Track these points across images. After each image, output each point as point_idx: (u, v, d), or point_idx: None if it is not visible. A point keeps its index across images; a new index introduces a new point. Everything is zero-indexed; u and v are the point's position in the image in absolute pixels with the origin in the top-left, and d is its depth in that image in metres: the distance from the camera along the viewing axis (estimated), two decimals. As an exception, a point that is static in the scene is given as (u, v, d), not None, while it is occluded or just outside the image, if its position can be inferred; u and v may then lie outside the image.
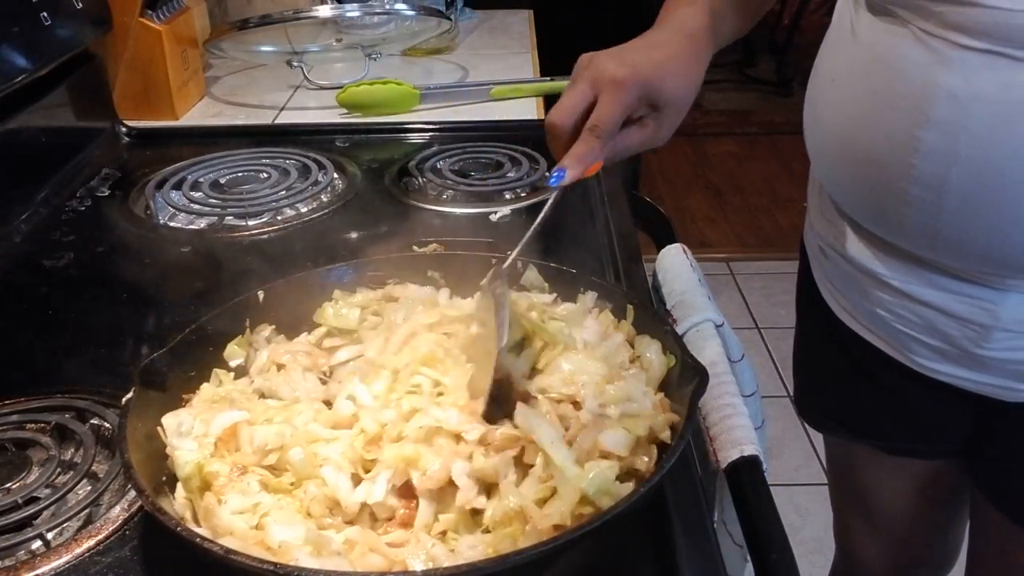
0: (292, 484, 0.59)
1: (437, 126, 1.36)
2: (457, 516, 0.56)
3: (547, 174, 0.71)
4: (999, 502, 0.92)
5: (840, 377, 0.99)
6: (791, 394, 1.16)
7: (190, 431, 0.61)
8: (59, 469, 0.66)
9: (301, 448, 0.59)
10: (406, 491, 0.58)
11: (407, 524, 0.57)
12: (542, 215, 0.71)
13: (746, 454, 0.71)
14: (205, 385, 0.66)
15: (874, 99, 0.73)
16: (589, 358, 0.66)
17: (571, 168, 0.69)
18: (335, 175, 1.18)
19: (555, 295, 0.77)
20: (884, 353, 0.88)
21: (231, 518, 0.54)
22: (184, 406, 0.65)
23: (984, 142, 0.66)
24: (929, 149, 0.69)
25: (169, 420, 0.62)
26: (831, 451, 1.16)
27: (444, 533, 0.56)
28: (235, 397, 0.66)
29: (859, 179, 0.77)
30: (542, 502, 0.56)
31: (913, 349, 0.84)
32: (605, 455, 0.58)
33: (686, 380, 0.63)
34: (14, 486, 0.66)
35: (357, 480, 0.59)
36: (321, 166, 1.19)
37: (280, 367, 0.70)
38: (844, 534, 1.20)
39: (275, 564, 0.49)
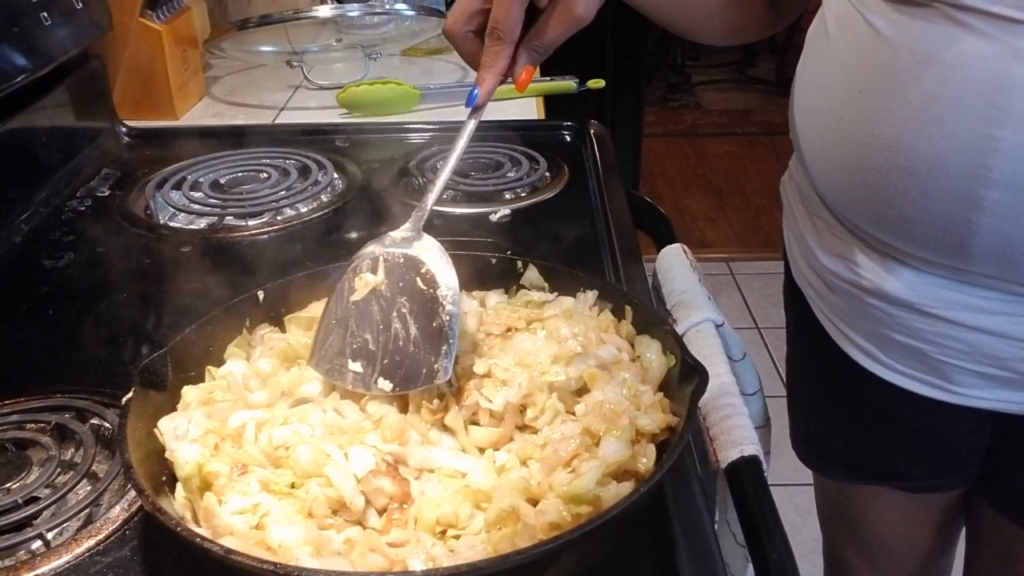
0: (292, 485, 0.58)
1: (437, 126, 1.36)
2: (454, 507, 0.56)
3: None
4: (1015, 514, 0.89)
5: (851, 420, 0.95)
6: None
7: (186, 434, 0.61)
8: (59, 469, 0.66)
9: (309, 446, 0.59)
10: (393, 472, 0.58)
11: (402, 500, 0.57)
12: (460, 144, 0.68)
13: (746, 454, 0.71)
14: (187, 388, 0.66)
15: (931, 102, 0.67)
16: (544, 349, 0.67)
17: (484, 83, 0.66)
18: (335, 175, 1.18)
19: (555, 294, 0.77)
20: (908, 390, 0.83)
21: (231, 518, 0.54)
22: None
23: None
24: (1009, 147, 0.64)
25: (165, 424, 0.62)
26: (825, 487, 1.10)
27: (444, 532, 0.56)
28: (218, 397, 0.65)
29: (914, 193, 0.71)
30: (535, 501, 0.56)
31: (952, 378, 0.80)
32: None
33: (686, 380, 0.63)
34: (14, 486, 0.66)
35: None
36: (321, 166, 1.19)
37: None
38: (839, 565, 1.15)
39: (275, 564, 0.49)
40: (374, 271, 0.67)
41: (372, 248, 0.68)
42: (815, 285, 0.89)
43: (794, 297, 0.96)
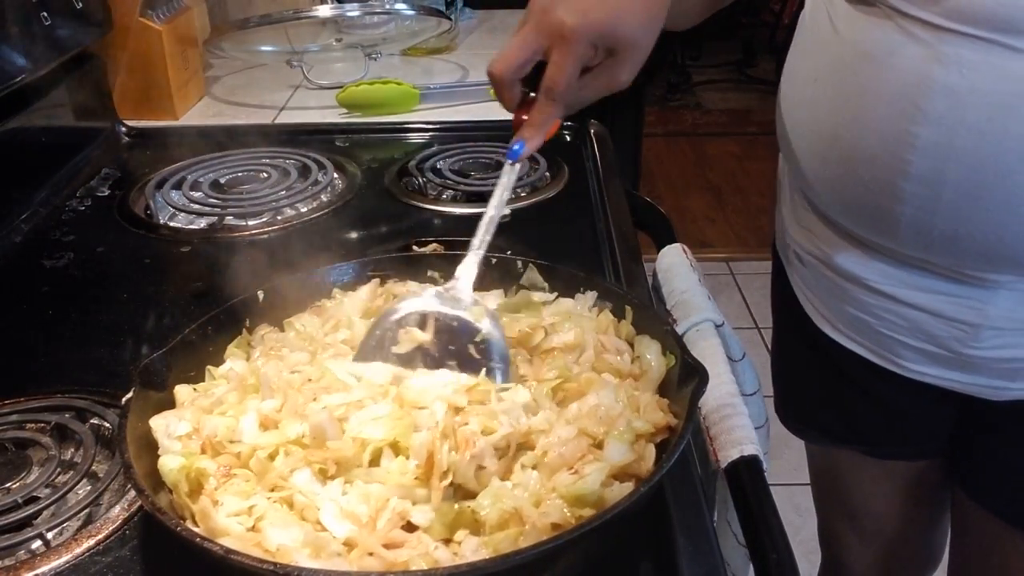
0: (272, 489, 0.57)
1: (437, 126, 1.36)
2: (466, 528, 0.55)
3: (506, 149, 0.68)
4: (983, 499, 0.92)
5: (821, 384, 0.99)
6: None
7: (175, 432, 0.60)
8: (59, 469, 0.66)
9: (257, 457, 0.58)
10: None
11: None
12: (500, 196, 0.67)
13: (746, 454, 0.71)
14: (179, 387, 0.65)
15: (863, 96, 0.72)
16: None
17: (531, 139, 0.67)
18: (335, 175, 1.18)
19: (555, 294, 0.77)
20: (865, 359, 0.87)
21: (227, 521, 0.54)
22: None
23: (982, 134, 0.66)
24: (925, 144, 0.68)
25: (157, 422, 0.62)
26: (813, 457, 1.15)
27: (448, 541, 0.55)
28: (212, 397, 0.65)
29: (848, 180, 0.76)
30: (540, 502, 0.56)
31: (898, 352, 0.84)
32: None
33: (686, 380, 0.63)
34: (14, 486, 0.66)
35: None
36: (321, 166, 1.19)
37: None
38: (830, 538, 1.20)
39: (275, 564, 0.49)
40: (422, 327, 0.65)
41: (419, 301, 0.67)
42: (788, 255, 0.95)
43: (776, 266, 1.01)
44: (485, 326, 0.65)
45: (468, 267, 0.68)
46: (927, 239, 0.73)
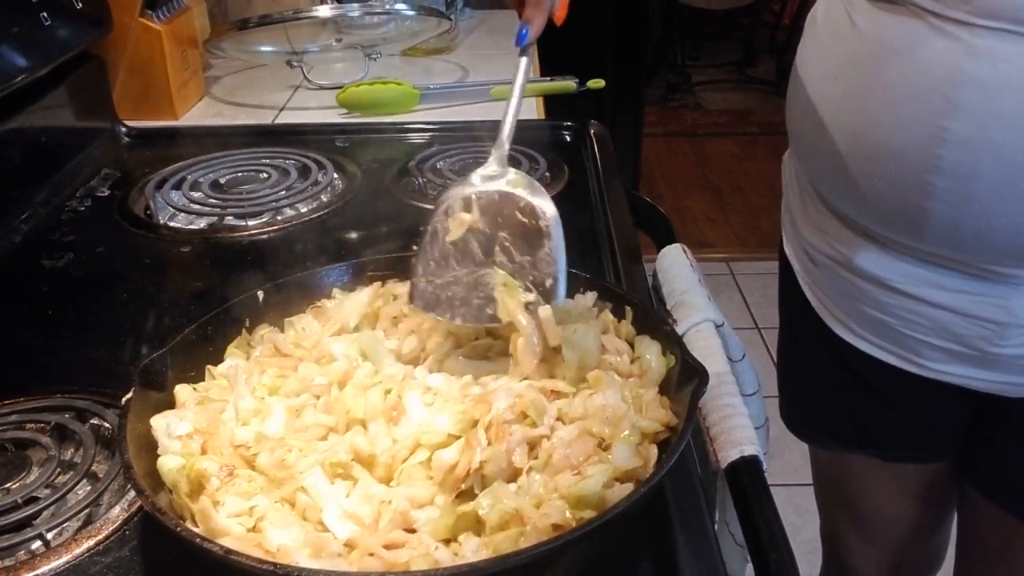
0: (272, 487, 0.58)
1: (437, 126, 1.36)
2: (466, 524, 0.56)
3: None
4: (998, 497, 0.91)
5: (832, 387, 0.98)
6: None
7: (175, 432, 0.61)
8: (59, 469, 0.66)
9: (267, 453, 0.58)
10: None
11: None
12: (520, 79, 0.70)
13: (746, 454, 0.71)
14: (179, 387, 0.66)
15: (890, 92, 0.71)
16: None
17: (534, 21, 0.69)
18: (335, 175, 1.18)
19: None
20: (882, 361, 0.87)
21: (227, 521, 0.54)
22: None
23: (1016, 128, 0.65)
24: (957, 139, 0.67)
25: (158, 421, 0.62)
26: (818, 461, 1.14)
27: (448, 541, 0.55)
28: (214, 396, 0.65)
29: (873, 178, 0.75)
30: (540, 503, 0.56)
31: (921, 353, 0.83)
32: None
33: (686, 380, 0.63)
34: (14, 486, 0.66)
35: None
36: (321, 166, 1.19)
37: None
38: (834, 541, 1.19)
39: (275, 564, 0.49)
40: (467, 210, 0.68)
41: (460, 189, 0.69)
42: (800, 257, 0.93)
43: (784, 268, 1.00)
44: (524, 191, 0.67)
45: (499, 146, 0.70)
46: (957, 235, 0.71)
